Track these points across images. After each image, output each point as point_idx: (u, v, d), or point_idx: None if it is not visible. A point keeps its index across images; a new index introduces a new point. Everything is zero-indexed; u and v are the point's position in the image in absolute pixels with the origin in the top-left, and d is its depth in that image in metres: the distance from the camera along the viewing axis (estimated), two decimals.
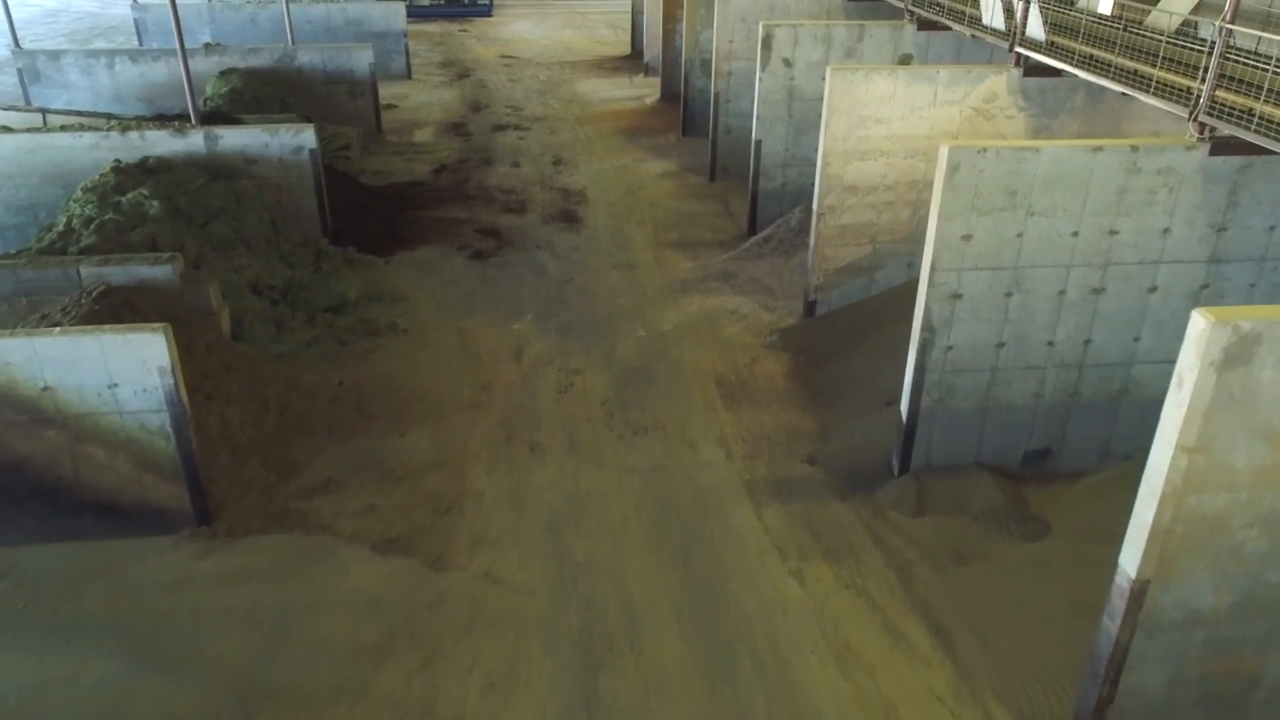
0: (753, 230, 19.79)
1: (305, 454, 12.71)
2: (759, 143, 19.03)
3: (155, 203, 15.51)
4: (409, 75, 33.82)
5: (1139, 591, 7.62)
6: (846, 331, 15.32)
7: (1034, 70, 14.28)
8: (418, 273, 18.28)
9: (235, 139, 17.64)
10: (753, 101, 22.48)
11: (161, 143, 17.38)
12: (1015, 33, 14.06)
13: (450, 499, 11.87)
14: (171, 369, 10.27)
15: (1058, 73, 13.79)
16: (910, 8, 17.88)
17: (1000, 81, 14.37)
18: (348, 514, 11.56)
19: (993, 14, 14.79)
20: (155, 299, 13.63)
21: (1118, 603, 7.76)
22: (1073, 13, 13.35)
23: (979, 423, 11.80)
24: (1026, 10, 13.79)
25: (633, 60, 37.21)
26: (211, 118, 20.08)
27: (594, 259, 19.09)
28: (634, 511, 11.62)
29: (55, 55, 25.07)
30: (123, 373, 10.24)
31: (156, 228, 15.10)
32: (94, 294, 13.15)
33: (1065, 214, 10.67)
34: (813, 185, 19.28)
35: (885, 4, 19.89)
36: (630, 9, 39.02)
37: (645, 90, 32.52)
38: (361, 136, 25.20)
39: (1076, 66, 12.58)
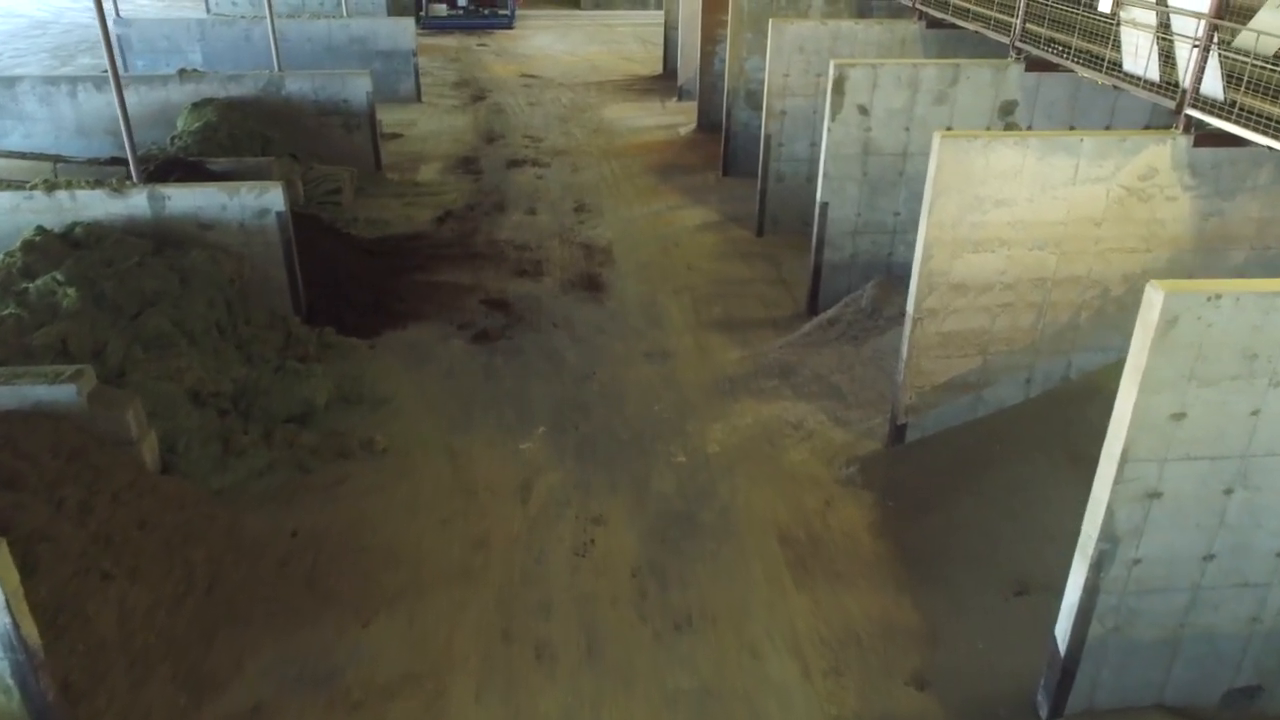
0: (814, 309, 16.38)
1: (232, 657, 9.43)
2: (825, 206, 15.61)
3: (71, 291, 12.33)
4: (418, 98, 30.66)
5: None
6: (948, 468, 11.89)
7: (1207, 139, 10.83)
8: (408, 361, 15.01)
9: (186, 200, 14.45)
10: (810, 145, 19.19)
11: (96, 205, 14.22)
12: (1184, 89, 10.61)
13: None
14: (6, 602, 7.02)
15: (1237, 141, 10.33)
16: (1018, 44, 14.41)
17: (1163, 153, 10.91)
18: None
19: (1147, 63, 11.32)
20: (52, 432, 10.44)
21: None
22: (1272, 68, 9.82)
23: (1167, 655, 8.36)
24: (1204, 60, 10.32)
25: (665, 81, 33.85)
26: (168, 166, 16.94)
27: (621, 344, 15.74)
28: None
29: (10, 82, 22.04)
30: None
31: (70, 325, 11.92)
32: None
33: None
34: (888, 256, 15.94)
35: (973, 34, 16.42)
36: (663, 24, 35.66)
37: (679, 117, 29.17)
38: (356, 177, 21.99)
39: None
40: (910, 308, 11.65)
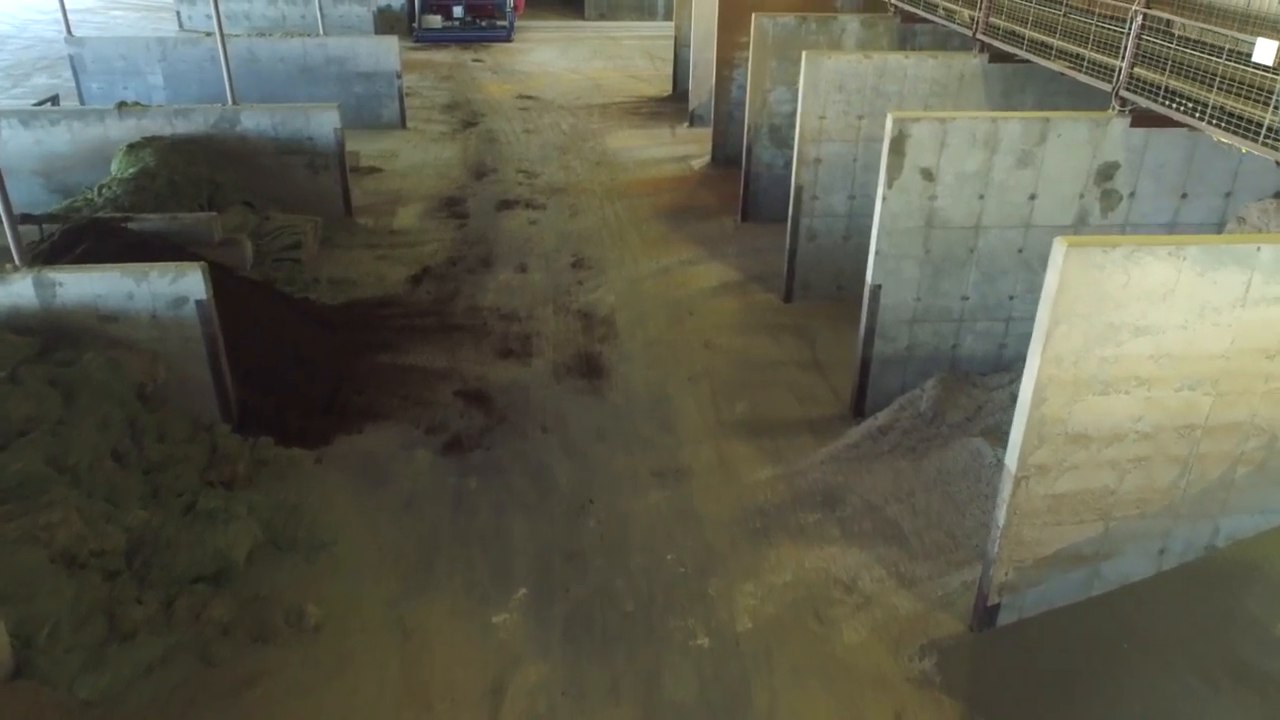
0: (860, 409, 13.46)
1: None
2: (877, 289, 12.67)
3: None
4: (403, 124, 27.79)
5: None
6: (1059, 671, 8.95)
7: None
8: (359, 483, 12.11)
9: (83, 287, 11.58)
10: (848, 197, 16.33)
11: None
12: None
13: None
14: None
15: None
16: (1123, 93, 11.45)
17: None
18: None
19: None
20: None
21: None
22: None
23: None
24: None
25: (675, 103, 30.94)
26: (76, 234, 14.08)
27: (624, 456, 12.83)
28: None
29: None
30: None
31: None
32: None
33: None
34: (952, 348, 13.04)
35: (1044, 71, 13.48)
36: (673, 39, 32.72)
37: (692, 147, 26.25)
38: (320, 227, 19.11)
39: None
40: (1012, 464, 8.70)
